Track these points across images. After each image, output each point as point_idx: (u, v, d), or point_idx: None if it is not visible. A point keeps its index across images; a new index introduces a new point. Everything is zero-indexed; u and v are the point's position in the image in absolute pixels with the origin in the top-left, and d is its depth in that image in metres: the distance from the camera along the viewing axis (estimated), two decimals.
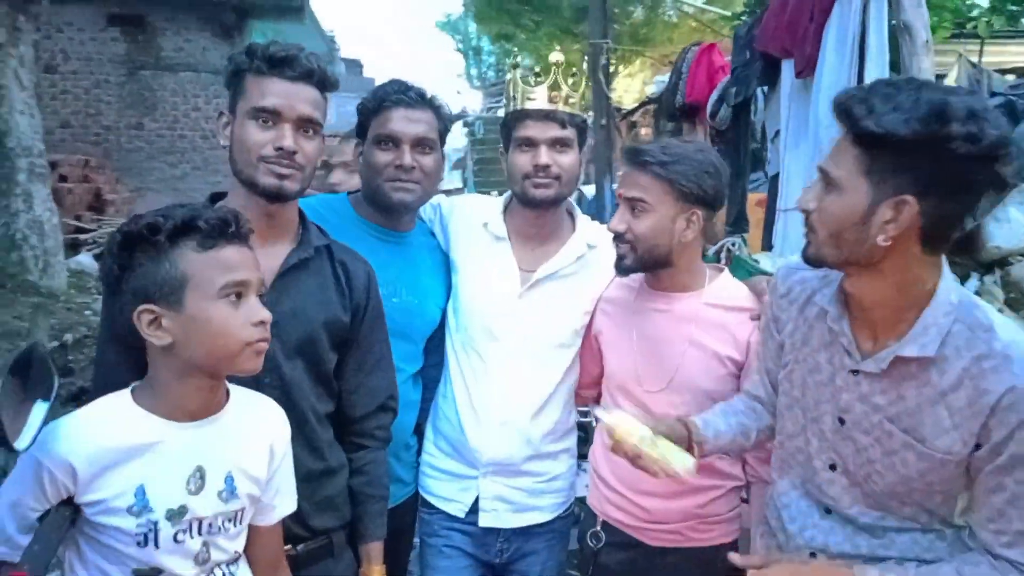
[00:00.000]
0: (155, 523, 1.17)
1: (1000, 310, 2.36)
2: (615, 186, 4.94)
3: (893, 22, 3.18)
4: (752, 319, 1.69)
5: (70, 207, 8.83)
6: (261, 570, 1.36)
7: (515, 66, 1.94)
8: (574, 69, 1.92)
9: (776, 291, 1.46)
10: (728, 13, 9.60)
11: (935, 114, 1.04)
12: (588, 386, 1.96)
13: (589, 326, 1.90)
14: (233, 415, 1.28)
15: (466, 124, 13.71)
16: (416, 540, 2.02)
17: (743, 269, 2.86)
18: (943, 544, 1.24)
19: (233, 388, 1.31)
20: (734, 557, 1.31)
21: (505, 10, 15.91)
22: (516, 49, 16.60)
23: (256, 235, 1.37)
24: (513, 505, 1.91)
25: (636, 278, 1.79)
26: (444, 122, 1.94)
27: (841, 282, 1.29)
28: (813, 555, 1.32)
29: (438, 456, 1.95)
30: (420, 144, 1.86)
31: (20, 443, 1.02)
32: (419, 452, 1.99)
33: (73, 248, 7.80)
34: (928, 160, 1.07)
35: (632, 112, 10.29)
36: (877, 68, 3.19)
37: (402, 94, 1.88)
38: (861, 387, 1.25)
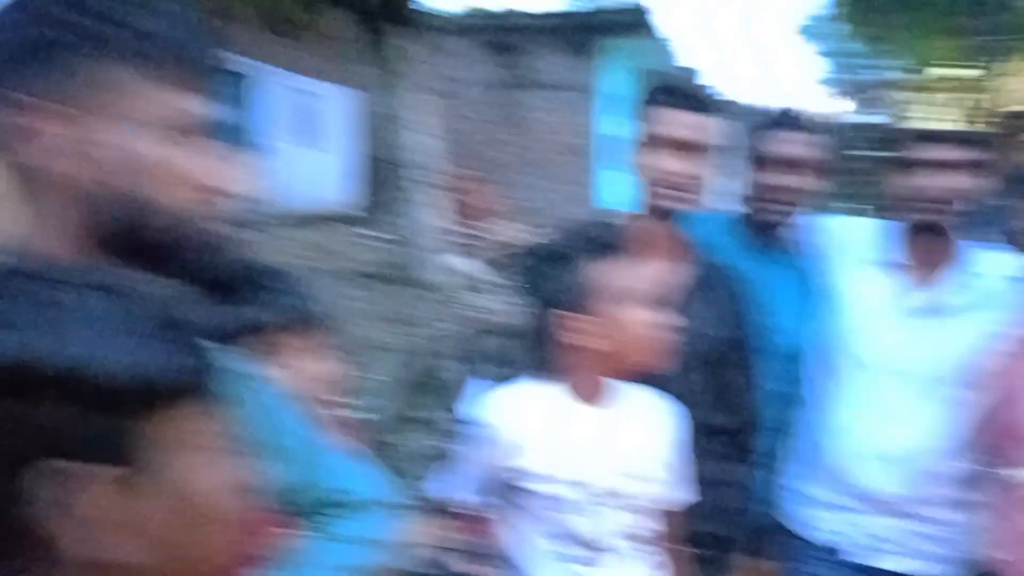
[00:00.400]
0: (574, 494, 1.34)
1: None
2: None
3: None
4: None
5: (451, 214, 10.08)
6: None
7: (897, 77, 1.87)
8: (966, 79, 1.79)
9: None
10: None
11: None
12: (1000, 435, 1.72)
13: (996, 368, 1.70)
14: (634, 406, 1.43)
15: (830, 133, 12.95)
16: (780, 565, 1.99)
17: None
18: None
19: (632, 384, 1.45)
20: None
21: (877, 9, 14.68)
22: (890, 52, 15.17)
23: (651, 252, 1.52)
24: (891, 545, 1.79)
25: None
26: (819, 143, 1.92)
27: None
28: None
29: (803, 481, 1.90)
30: (792, 166, 1.87)
31: (467, 413, 1.25)
32: (782, 474, 1.96)
33: (453, 250, 8.89)
34: None
35: None
36: None
37: (776, 116, 1.91)
38: None
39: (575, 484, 1.35)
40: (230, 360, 0.68)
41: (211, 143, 0.78)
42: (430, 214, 7.22)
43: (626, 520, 1.40)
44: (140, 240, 0.74)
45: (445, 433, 1.29)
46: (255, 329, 1.21)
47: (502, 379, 1.43)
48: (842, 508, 1.84)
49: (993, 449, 1.73)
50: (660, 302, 1.40)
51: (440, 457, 1.43)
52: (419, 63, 6.81)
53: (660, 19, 12.06)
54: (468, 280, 7.85)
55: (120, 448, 0.56)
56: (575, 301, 1.33)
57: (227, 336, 0.72)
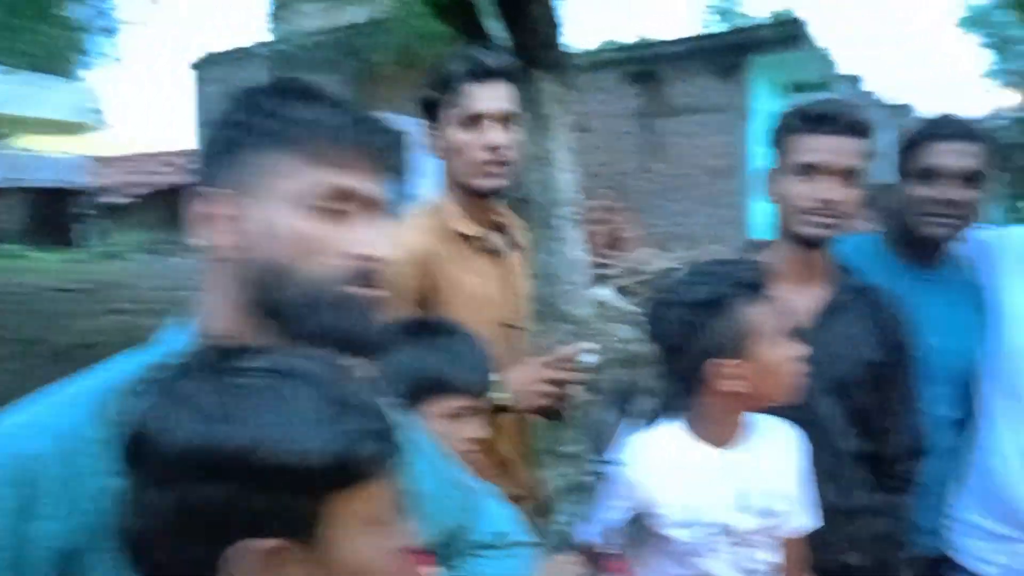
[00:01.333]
0: (706, 536, 1.35)
1: None
2: None
3: None
4: None
5: (593, 246, 10.13)
6: None
7: None
8: None
9: None
10: None
11: None
12: None
13: None
14: (761, 440, 1.42)
15: (995, 134, 11.94)
16: None
17: None
18: None
19: (757, 416, 1.43)
20: None
21: None
22: None
23: (795, 279, 1.51)
24: None
25: None
26: (985, 150, 1.80)
27: None
28: None
29: (971, 511, 1.80)
30: (961, 178, 1.75)
31: (612, 456, 1.28)
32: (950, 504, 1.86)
33: (595, 282, 8.90)
34: None
35: None
36: None
37: (938, 124, 1.81)
38: None
39: (708, 526, 1.35)
40: (399, 419, 0.72)
41: (370, 214, 0.84)
42: (576, 248, 7.28)
43: (759, 556, 1.39)
44: (283, 305, 0.81)
45: (590, 471, 1.31)
46: (436, 388, 1.30)
47: (640, 415, 1.44)
48: (1013, 539, 1.73)
49: None
50: (800, 333, 1.37)
51: (583, 493, 1.46)
52: (564, 103, 6.95)
53: (813, 29, 11.54)
54: (613, 312, 7.84)
55: (309, 527, 0.61)
56: (730, 349, 1.32)
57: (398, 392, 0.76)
